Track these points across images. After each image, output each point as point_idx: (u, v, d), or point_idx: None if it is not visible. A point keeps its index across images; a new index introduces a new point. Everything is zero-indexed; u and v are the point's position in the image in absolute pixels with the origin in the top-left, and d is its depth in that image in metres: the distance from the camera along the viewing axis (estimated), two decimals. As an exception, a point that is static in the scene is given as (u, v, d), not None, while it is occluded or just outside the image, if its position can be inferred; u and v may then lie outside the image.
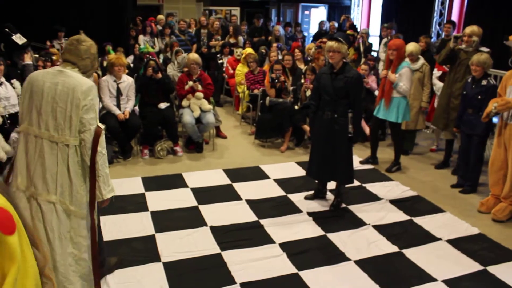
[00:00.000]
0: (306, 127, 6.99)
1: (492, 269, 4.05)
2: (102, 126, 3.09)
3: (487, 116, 4.92)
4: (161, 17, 11.85)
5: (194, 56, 7.08)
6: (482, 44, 6.06)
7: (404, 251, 4.31)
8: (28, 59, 5.21)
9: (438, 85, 6.60)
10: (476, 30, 5.87)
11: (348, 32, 10.31)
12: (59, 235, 3.02)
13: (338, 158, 4.94)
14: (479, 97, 5.26)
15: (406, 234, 4.63)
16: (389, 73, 6.01)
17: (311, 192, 5.42)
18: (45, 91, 3.00)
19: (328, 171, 5.06)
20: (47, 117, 2.99)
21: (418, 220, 4.93)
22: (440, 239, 4.56)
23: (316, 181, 5.40)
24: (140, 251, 4.19)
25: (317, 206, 5.19)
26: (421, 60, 6.58)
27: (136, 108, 6.72)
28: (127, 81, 6.46)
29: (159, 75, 6.61)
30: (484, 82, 5.34)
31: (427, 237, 4.57)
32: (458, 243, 4.47)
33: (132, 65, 8.66)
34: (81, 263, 3.12)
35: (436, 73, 6.78)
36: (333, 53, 4.72)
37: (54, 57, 6.86)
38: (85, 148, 3.00)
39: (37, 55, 6.76)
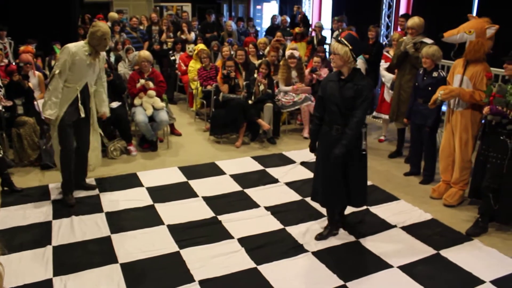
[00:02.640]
0: (261, 121, 7.00)
1: (444, 252, 4.18)
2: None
3: (434, 102, 5.04)
4: (113, 14, 11.57)
5: (145, 53, 6.96)
6: (429, 35, 6.21)
7: (361, 240, 4.39)
8: None
9: (387, 76, 6.73)
10: (417, 21, 6.02)
11: (297, 29, 10.35)
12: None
13: (351, 179, 4.22)
14: (430, 88, 5.36)
15: (362, 224, 4.70)
16: None
17: (322, 230, 4.56)
18: None
19: (343, 197, 4.29)
20: None
21: (374, 209, 5.02)
22: (395, 226, 4.66)
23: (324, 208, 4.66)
24: (96, 253, 4.10)
25: (274, 200, 5.20)
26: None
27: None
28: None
29: (111, 77, 6.45)
30: (435, 74, 5.45)
31: (382, 225, 4.66)
32: (412, 229, 4.59)
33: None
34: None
35: (384, 64, 6.91)
36: (333, 55, 4.07)
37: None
38: None
39: None
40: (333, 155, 4.04)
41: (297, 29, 10.21)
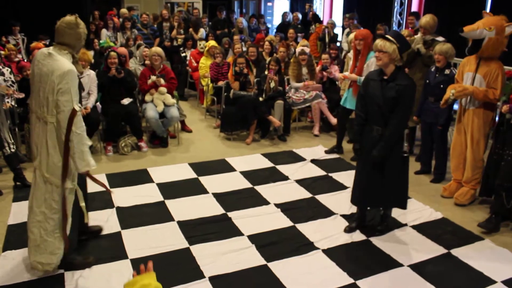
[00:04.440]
0: (272, 118, 7.00)
1: (455, 251, 4.16)
2: (77, 108, 3.39)
3: (446, 102, 5.01)
4: (124, 11, 11.61)
5: (157, 48, 6.99)
6: (440, 33, 6.17)
7: (371, 238, 4.37)
8: None
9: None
10: (430, 22, 5.98)
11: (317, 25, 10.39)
12: (36, 196, 3.55)
13: (390, 182, 4.16)
14: (442, 86, 5.33)
15: (373, 222, 4.68)
16: (347, 75, 6.18)
17: (352, 224, 4.57)
18: (35, 71, 3.43)
19: (376, 198, 4.27)
20: (35, 95, 3.44)
21: (384, 207, 4.99)
22: (405, 225, 4.64)
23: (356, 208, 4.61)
24: (107, 249, 4.12)
25: (284, 197, 5.19)
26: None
27: (98, 104, 6.57)
28: (89, 75, 6.31)
29: (122, 74, 6.48)
30: (447, 72, 5.42)
31: (393, 224, 4.62)
32: (423, 228, 4.57)
33: (93, 60, 8.47)
34: (49, 221, 3.56)
35: None
36: (379, 53, 3.98)
37: (2, 52, 6.66)
38: (60, 127, 3.38)
39: None
40: (372, 157, 4.04)
41: (324, 26, 10.28)
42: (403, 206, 4.35)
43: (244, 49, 8.76)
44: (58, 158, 3.46)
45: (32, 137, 3.56)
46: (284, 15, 12.40)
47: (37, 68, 3.41)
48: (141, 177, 5.69)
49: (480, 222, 4.55)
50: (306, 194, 5.30)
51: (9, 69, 6.19)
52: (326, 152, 6.63)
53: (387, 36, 4.03)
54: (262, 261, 3.95)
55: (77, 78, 3.48)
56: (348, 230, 4.50)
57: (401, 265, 3.95)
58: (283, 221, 4.67)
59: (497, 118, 5.61)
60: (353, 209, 4.89)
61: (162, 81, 6.72)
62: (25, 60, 7.39)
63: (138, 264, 3.82)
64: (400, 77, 3.99)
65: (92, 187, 5.22)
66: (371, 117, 4.12)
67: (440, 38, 5.94)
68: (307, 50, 7.71)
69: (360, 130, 4.24)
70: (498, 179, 4.47)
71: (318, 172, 5.95)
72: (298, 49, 7.73)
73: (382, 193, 4.21)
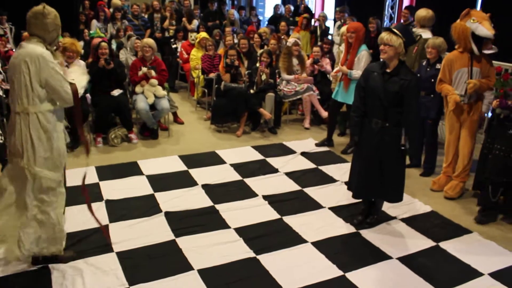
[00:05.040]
0: (262, 111, 6.98)
1: (443, 244, 4.18)
2: (73, 81, 3.37)
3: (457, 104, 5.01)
4: (116, 1, 11.49)
5: (148, 40, 6.94)
6: (433, 28, 6.18)
7: (361, 231, 4.38)
8: None
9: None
10: (419, 14, 6.18)
11: (305, 15, 10.34)
12: (27, 191, 3.39)
13: (387, 175, 4.18)
14: (432, 80, 5.36)
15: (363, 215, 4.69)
16: (339, 67, 6.21)
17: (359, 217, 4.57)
18: (10, 66, 3.35)
19: (375, 190, 4.29)
20: (12, 90, 3.31)
21: (373, 200, 5.01)
22: (395, 218, 4.65)
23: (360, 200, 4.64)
24: (93, 242, 4.07)
25: (273, 189, 5.19)
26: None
27: (88, 95, 6.52)
28: (78, 65, 6.23)
29: (111, 65, 6.42)
30: (438, 66, 5.42)
31: (382, 217, 4.63)
32: (412, 221, 4.59)
33: (82, 51, 8.40)
34: (44, 214, 3.47)
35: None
36: (384, 46, 3.97)
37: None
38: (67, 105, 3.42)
39: None
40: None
41: (304, 15, 10.21)
42: (399, 198, 4.35)
43: (236, 41, 8.71)
44: (44, 149, 3.35)
45: (15, 137, 3.33)
46: (276, 7, 12.34)
47: (11, 62, 3.32)
48: (131, 169, 5.64)
49: (476, 217, 4.62)
50: (295, 187, 5.30)
51: (-3, 59, 6.12)
52: (317, 145, 6.64)
53: (393, 29, 4.03)
54: (251, 254, 3.95)
55: (53, 59, 3.32)
56: (357, 223, 4.49)
57: (390, 257, 3.97)
58: (271, 214, 4.67)
59: (486, 114, 5.67)
60: (342, 202, 4.92)
61: (153, 72, 6.67)
62: (14, 50, 7.28)
63: (124, 257, 3.81)
64: (404, 71, 4.00)
65: (79, 180, 5.17)
66: (370, 109, 4.12)
67: (427, 35, 5.95)
68: (299, 41, 7.70)
69: (359, 123, 4.23)
70: (486, 173, 4.51)
71: (308, 165, 5.95)
72: (291, 40, 7.69)
73: (380, 185, 4.23)
